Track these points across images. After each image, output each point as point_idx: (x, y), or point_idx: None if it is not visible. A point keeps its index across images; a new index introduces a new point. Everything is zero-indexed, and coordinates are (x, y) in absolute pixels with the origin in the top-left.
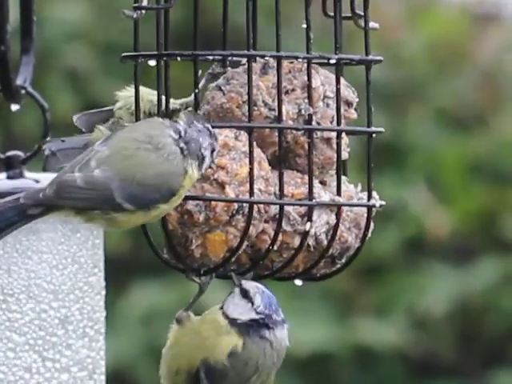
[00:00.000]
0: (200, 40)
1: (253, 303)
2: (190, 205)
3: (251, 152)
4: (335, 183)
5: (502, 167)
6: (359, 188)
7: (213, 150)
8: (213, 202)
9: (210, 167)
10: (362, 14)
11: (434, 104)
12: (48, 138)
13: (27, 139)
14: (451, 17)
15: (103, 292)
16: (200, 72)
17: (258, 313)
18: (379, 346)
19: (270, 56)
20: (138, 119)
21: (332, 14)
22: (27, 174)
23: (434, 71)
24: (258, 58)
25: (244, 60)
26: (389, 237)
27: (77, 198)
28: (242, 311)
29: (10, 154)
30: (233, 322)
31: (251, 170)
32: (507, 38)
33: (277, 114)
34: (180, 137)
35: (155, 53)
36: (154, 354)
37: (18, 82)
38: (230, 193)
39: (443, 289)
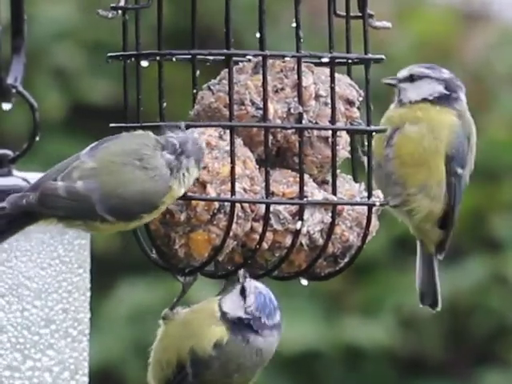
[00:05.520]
0: (190, 39)
1: (245, 301)
2: (172, 204)
3: (232, 151)
4: (339, 182)
5: (490, 167)
6: (363, 187)
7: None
8: (193, 202)
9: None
10: (373, 13)
11: None
12: (37, 138)
13: (16, 138)
14: (439, 16)
15: (88, 293)
16: (198, 73)
17: (246, 312)
18: (367, 345)
19: (254, 55)
20: (125, 117)
21: (342, 13)
22: (16, 172)
23: None
24: (252, 58)
25: (250, 57)
26: (377, 236)
27: (59, 207)
28: (233, 307)
29: None
30: (223, 315)
31: (233, 168)
32: (494, 37)
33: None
34: (175, 158)
35: (134, 52)
36: (141, 352)
37: (9, 81)
38: (212, 192)
39: None
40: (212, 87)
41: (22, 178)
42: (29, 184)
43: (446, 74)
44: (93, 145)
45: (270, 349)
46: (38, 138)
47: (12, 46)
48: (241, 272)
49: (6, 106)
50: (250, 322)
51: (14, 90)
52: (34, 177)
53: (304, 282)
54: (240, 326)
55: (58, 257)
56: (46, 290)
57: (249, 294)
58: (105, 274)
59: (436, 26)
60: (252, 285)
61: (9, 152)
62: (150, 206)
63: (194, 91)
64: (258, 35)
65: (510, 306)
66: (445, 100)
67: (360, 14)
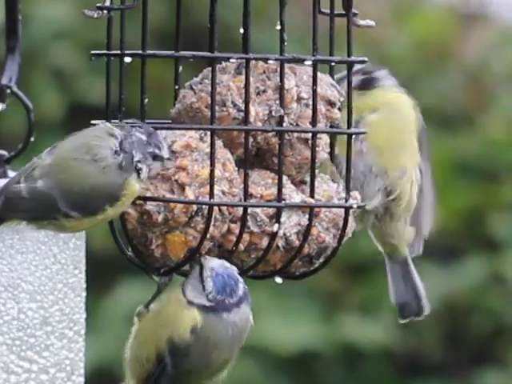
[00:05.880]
0: (185, 38)
1: (204, 287)
2: (150, 205)
3: (212, 153)
4: (317, 182)
5: (488, 166)
6: (341, 187)
7: (155, 156)
8: (171, 203)
9: (167, 168)
10: (357, 12)
11: (421, 103)
12: (32, 139)
13: (11, 138)
14: (437, 16)
15: (84, 293)
16: (181, 69)
17: (208, 300)
18: (365, 345)
19: (237, 58)
20: (107, 115)
21: (326, 11)
22: (11, 173)
23: (420, 71)
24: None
25: (234, 59)
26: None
27: (23, 208)
28: (195, 294)
29: None
30: (189, 302)
31: (212, 171)
32: (493, 37)
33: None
34: (119, 149)
35: (118, 52)
36: None
37: (4, 81)
38: (190, 194)
39: (430, 287)
40: (194, 87)
41: None
42: None
43: (362, 65)
44: (56, 143)
45: (244, 321)
46: (32, 139)
47: (7, 47)
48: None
49: (0, 107)
50: (215, 308)
51: (8, 91)
52: None
53: (279, 280)
54: (207, 310)
55: (53, 257)
56: (42, 292)
57: (206, 278)
58: (102, 273)
59: (434, 26)
60: (208, 265)
61: (4, 152)
62: (110, 198)
63: (176, 87)
64: (241, 31)
65: (509, 305)
66: (367, 83)
67: (344, 12)
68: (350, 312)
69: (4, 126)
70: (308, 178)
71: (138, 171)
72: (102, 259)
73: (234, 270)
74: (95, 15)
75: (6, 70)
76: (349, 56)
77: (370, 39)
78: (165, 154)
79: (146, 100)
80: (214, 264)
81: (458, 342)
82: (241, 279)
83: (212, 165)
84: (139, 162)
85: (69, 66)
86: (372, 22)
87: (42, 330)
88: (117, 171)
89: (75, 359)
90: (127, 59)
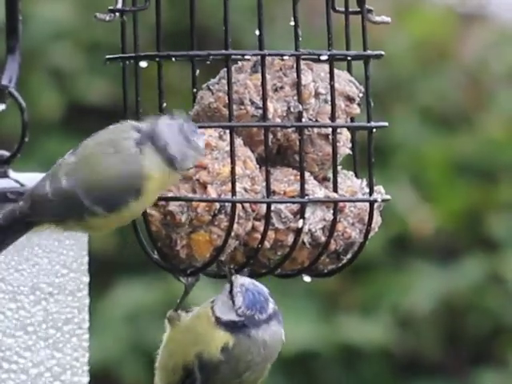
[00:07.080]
0: (189, 38)
1: (234, 303)
2: (172, 206)
3: (232, 151)
4: (340, 179)
5: (486, 166)
6: (364, 183)
7: (189, 143)
8: (194, 203)
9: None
10: (372, 8)
11: (419, 103)
12: (26, 139)
13: (12, 139)
14: (436, 16)
15: (87, 294)
16: (198, 72)
17: (238, 315)
18: (364, 345)
19: (252, 55)
20: (125, 118)
21: (341, 9)
22: (12, 173)
23: (418, 70)
24: (250, 57)
25: (248, 57)
26: (374, 235)
27: (50, 210)
28: (224, 310)
29: None
30: (218, 319)
31: (233, 169)
32: (492, 37)
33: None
34: (140, 134)
35: (133, 54)
36: (138, 352)
37: (4, 81)
38: (212, 193)
39: (428, 287)
40: (211, 87)
41: (15, 179)
42: (21, 185)
43: None
44: (79, 144)
45: (275, 338)
46: (27, 139)
47: (7, 47)
48: (227, 270)
49: (0, 107)
50: (244, 323)
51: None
52: (30, 177)
53: (307, 278)
54: (237, 327)
55: (56, 251)
56: (45, 292)
57: (236, 293)
58: (102, 273)
59: (434, 26)
60: (238, 282)
61: (5, 153)
62: (131, 190)
63: (194, 90)
64: (257, 33)
65: (507, 305)
66: None
67: (359, 9)
68: (348, 312)
69: (4, 126)
70: (330, 175)
71: (171, 159)
72: (101, 259)
73: (264, 288)
74: (107, 18)
75: (7, 70)
76: (364, 50)
77: (369, 39)
78: (201, 143)
79: (165, 104)
80: (244, 281)
81: (456, 341)
82: (271, 299)
83: (232, 162)
84: (171, 148)
85: (68, 66)
86: (388, 19)
87: (46, 331)
88: (137, 159)
89: (80, 359)
90: (143, 64)
